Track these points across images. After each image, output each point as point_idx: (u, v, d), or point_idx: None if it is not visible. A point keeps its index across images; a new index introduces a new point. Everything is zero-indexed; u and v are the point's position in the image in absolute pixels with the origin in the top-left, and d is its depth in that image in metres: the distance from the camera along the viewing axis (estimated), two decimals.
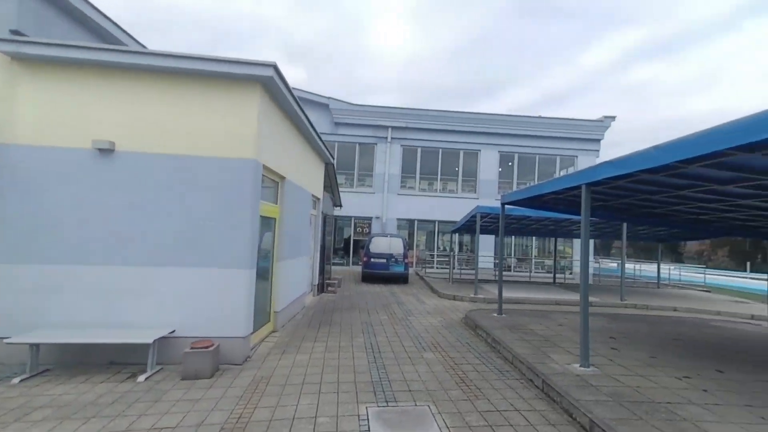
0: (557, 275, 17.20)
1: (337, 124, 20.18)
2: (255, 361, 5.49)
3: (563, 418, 4.07)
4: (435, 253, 20.29)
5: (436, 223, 20.31)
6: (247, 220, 5.36)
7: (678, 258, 48.61)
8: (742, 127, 3.16)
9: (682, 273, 20.66)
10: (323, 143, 9.80)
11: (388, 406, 4.23)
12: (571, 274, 18.84)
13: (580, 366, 5.18)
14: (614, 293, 13.09)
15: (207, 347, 4.91)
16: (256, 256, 5.70)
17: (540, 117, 19.83)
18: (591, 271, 18.99)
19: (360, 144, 20.61)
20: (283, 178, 7.18)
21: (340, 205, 16.11)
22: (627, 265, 23.73)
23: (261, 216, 6.06)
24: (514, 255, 20.31)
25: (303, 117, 7.35)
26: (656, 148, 4.05)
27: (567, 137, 19.78)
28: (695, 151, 3.55)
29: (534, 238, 20.02)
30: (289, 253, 7.67)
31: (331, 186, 13.41)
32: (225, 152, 5.36)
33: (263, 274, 6.66)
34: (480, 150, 19.98)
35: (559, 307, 10.37)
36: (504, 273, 19.01)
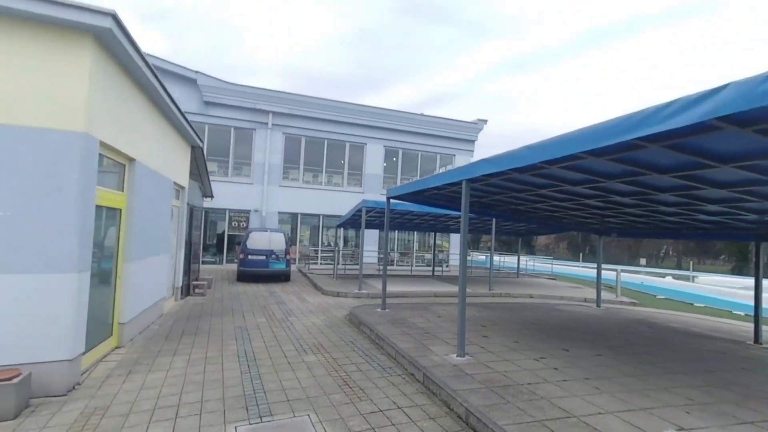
0: (435, 268, 18.57)
1: (207, 103, 18.18)
2: (87, 389, 4.42)
3: (442, 410, 4.22)
4: (319, 248, 19.97)
5: (321, 217, 19.99)
6: (75, 210, 4.25)
7: (531, 251, 57.80)
8: (588, 134, 3.65)
9: (535, 264, 24.51)
10: (189, 123, 8.60)
11: (261, 422, 3.81)
12: (447, 267, 20.61)
13: (457, 356, 5.52)
14: (483, 283, 14.69)
15: (7, 379, 3.74)
16: (88, 256, 4.59)
17: (422, 115, 21.10)
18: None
19: (236, 128, 18.98)
20: (131, 160, 5.99)
21: (211, 196, 14.56)
22: (493, 258, 27.31)
23: (99, 206, 4.92)
24: (397, 249, 21.29)
25: (160, 88, 6.24)
26: (527, 148, 4.47)
27: (446, 136, 21.49)
28: (557, 153, 4.00)
29: (416, 233, 21.27)
30: (140, 252, 6.47)
31: (200, 173, 11.95)
32: (46, 121, 4.15)
33: (104, 279, 5.46)
34: (366, 144, 20.31)
35: (437, 299, 11.14)
36: (388, 267, 19.77)
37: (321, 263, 19.84)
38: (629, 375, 5.14)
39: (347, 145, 20.25)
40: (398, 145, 20.82)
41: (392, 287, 12.35)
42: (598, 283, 11.29)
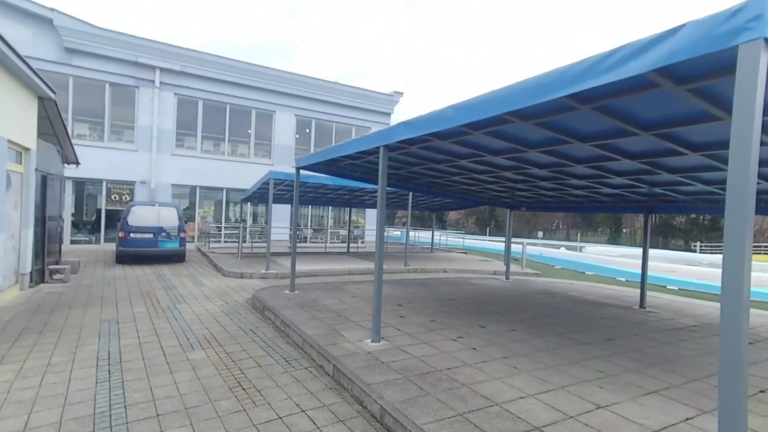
0: (351, 245, 18.06)
1: (70, 50, 14.86)
2: None
3: (353, 408, 3.63)
4: (223, 225, 18.08)
5: (225, 191, 18.04)
6: None
7: (443, 226, 60.71)
8: (527, 88, 3.18)
9: (448, 238, 25.42)
10: (31, 68, 6.60)
11: None
12: (363, 243, 20.22)
13: (372, 341, 4.97)
14: (399, 259, 14.54)
15: None
16: None
17: (336, 83, 19.87)
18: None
19: (113, 85, 15.93)
20: None
21: (76, 162, 11.99)
22: (409, 233, 27.73)
23: None
24: (311, 225, 20.26)
25: None
26: (452, 108, 3.91)
27: (362, 108, 20.62)
28: (486, 112, 3.49)
29: (330, 208, 20.40)
30: None
31: (56, 134, 9.59)
32: None
33: None
34: (275, 111, 18.58)
35: (352, 278, 10.59)
36: (300, 245, 18.70)
37: (225, 241, 18.02)
38: (543, 350, 5.09)
39: (253, 112, 18.29)
40: (311, 115, 19.39)
41: (304, 266, 11.49)
42: (507, 256, 11.73)
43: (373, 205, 17.90)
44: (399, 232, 29.87)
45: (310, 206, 19.62)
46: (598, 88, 3.15)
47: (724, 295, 2.09)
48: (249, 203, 18.22)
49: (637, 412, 3.50)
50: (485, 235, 43.94)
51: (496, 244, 25.88)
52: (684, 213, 30.73)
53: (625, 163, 5.18)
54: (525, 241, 16.70)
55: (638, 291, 10.55)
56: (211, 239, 16.93)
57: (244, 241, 16.04)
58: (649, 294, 8.79)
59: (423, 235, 26.27)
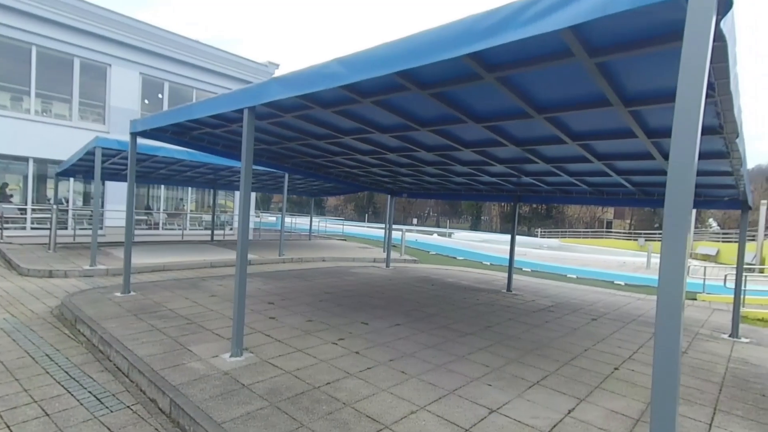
0: (216, 232, 15.95)
1: None
2: None
3: None
4: (29, 207, 13.94)
5: (32, 161, 13.82)
6: None
7: (322, 211, 59.90)
8: (416, 43, 2.58)
9: (326, 225, 24.73)
10: None
11: None
12: (231, 230, 18.08)
13: (231, 356, 3.95)
14: (273, 248, 13.30)
15: None
16: None
17: (198, 42, 16.88)
18: (252, 225, 19.04)
19: None
20: None
21: None
22: (285, 219, 26.14)
23: None
24: (165, 209, 17.21)
25: None
26: (338, 61, 3.11)
27: (230, 75, 17.99)
28: (377, 67, 2.79)
29: (191, 189, 17.62)
30: None
31: None
32: None
33: None
34: (111, 65, 14.79)
35: (214, 271, 9.08)
36: (149, 233, 15.76)
37: (34, 228, 13.88)
38: (429, 346, 4.77)
39: (77, 61, 14.26)
40: (164, 77, 15.93)
41: (150, 258, 9.46)
42: (387, 244, 11.58)
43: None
44: (275, 218, 28.07)
45: (162, 186, 16.55)
46: (510, 52, 2.74)
47: (661, 290, 1.81)
48: (72, 179, 14.49)
49: (526, 410, 3.32)
50: (364, 221, 44.66)
51: (376, 230, 26.24)
52: (544, 203, 35.80)
53: (510, 149, 5.12)
54: (403, 227, 17.04)
55: (502, 274, 11.51)
56: (4, 225, 12.77)
57: (64, 228, 12.68)
58: (496, 275, 9.64)
59: (301, 222, 25.07)
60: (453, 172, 7.40)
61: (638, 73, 2.85)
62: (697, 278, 12.14)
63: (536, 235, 37.84)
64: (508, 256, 8.99)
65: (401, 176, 8.68)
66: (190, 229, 17.24)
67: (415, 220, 45.59)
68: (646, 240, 30.77)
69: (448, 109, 3.83)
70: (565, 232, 39.21)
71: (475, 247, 20.40)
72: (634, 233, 35.90)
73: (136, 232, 14.78)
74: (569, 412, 3.37)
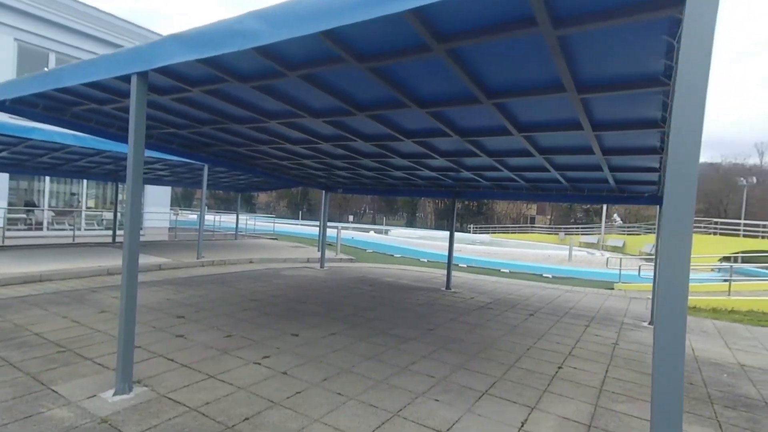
0: (120, 232, 14.03)
1: None
2: None
3: None
4: None
5: None
6: None
7: (252, 208, 56.85)
8: None
9: (256, 223, 23.23)
10: None
11: None
12: (141, 230, 16.07)
13: (116, 393, 3.11)
14: (191, 249, 11.96)
15: None
16: None
17: (96, 9, 14.39)
18: (167, 224, 17.18)
19: None
20: None
21: None
22: (207, 217, 24.04)
23: None
24: (50, 205, 14.66)
25: None
26: (254, 15, 2.48)
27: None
28: (308, 22, 2.23)
29: (86, 181, 15.24)
30: None
31: None
32: None
33: None
34: None
35: (111, 279, 7.74)
36: (29, 234, 13.43)
37: None
38: (369, 357, 4.30)
39: None
40: (49, 46, 13.29)
41: (24, 266, 7.86)
42: (322, 243, 10.94)
43: (155, 181, 14.30)
44: (196, 216, 25.85)
45: (47, 178, 14.04)
46: (466, 18, 2.32)
47: (661, 302, 1.49)
48: None
49: (479, 428, 2.98)
50: (298, 219, 43.16)
51: (310, 228, 25.25)
52: (482, 198, 37.02)
53: (453, 140, 4.81)
54: (339, 225, 16.44)
55: (440, 271, 11.45)
56: None
57: None
58: (434, 272, 9.56)
59: (227, 220, 23.30)
60: (392, 166, 6.99)
61: (599, 53, 2.60)
62: (614, 269, 13.11)
63: (469, 231, 39.28)
64: (444, 253, 8.87)
65: (336, 170, 8.10)
66: (86, 230, 14.95)
67: (351, 217, 45.04)
68: (565, 234, 33.31)
69: (390, 89, 3.36)
70: (495, 227, 41.22)
71: (413, 244, 20.42)
72: (555, 228, 38.76)
73: (11, 234, 12.47)
74: (522, 425, 3.09)
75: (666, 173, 1.51)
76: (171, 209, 19.33)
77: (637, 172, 5.37)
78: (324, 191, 10.98)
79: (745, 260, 15.96)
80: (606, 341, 5.50)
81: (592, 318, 6.87)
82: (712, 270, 15.68)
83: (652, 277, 9.49)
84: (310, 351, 4.36)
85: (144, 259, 9.43)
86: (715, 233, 20.65)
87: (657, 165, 4.97)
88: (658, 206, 6.62)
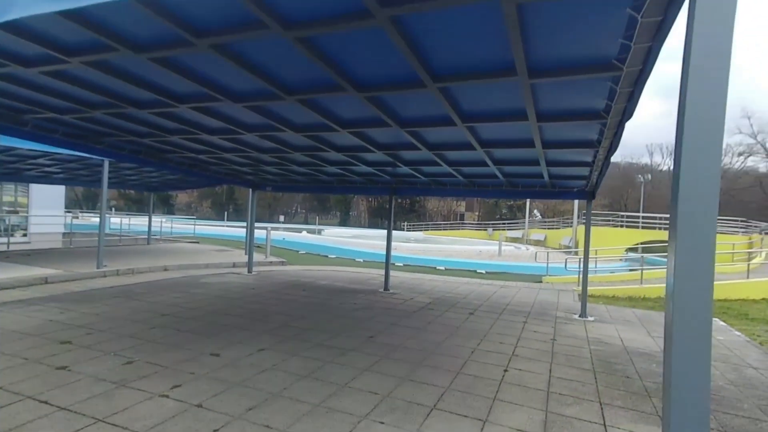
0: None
1: None
2: None
3: None
4: None
5: None
6: None
7: (170, 210, 52.31)
8: None
9: (173, 225, 21.12)
10: None
11: None
12: (26, 236, 13.66)
13: None
14: (92, 258, 10.38)
15: None
16: None
17: None
18: (61, 229, 14.90)
19: None
20: None
21: None
22: (115, 220, 21.40)
23: None
24: None
25: None
26: None
27: None
28: None
29: None
30: None
31: None
32: None
33: None
34: None
35: None
36: None
37: None
38: (303, 375, 3.80)
39: None
40: None
41: None
42: (249, 245, 10.08)
43: (42, 178, 12.24)
44: (114, 219, 22.94)
45: None
46: None
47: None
48: None
49: None
50: (223, 220, 40.48)
51: (237, 230, 23.61)
52: (419, 195, 37.25)
53: (392, 131, 4.47)
54: (269, 225, 15.46)
55: (377, 271, 11.16)
56: None
57: None
58: (371, 272, 9.26)
59: (141, 223, 20.87)
60: (326, 161, 6.50)
61: (555, 32, 2.38)
62: (541, 263, 13.83)
63: (402, 229, 39.76)
64: (380, 252, 8.58)
65: (264, 165, 7.39)
66: None
67: (281, 217, 43.26)
68: (493, 230, 35.06)
69: (324, 68, 2.90)
70: (428, 225, 42.21)
71: (347, 243, 19.97)
72: (483, 224, 40.68)
73: None
74: None
75: (681, 170, 1.26)
76: (68, 212, 16.90)
77: (571, 167, 5.46)
78: (251, 189, 10.12)
79: (647, 250, 17.84)
80: (545, 337, 5.54)
81: (528, 313, 6.98)
82: (621, 260, 17.29)
83: (577, 270, 10.11)
84: (232, 374, 3.74)
85: (24, 272, 7.92)
86: (621, 226, 22.91)
87: (590, 159, 5.07)
88: (585, 201, 6.90)
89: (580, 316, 6.83)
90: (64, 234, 14.54)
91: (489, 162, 5.51)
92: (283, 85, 3.45)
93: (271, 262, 12.35)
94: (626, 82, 2.75)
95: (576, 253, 18.92)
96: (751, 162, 43.93)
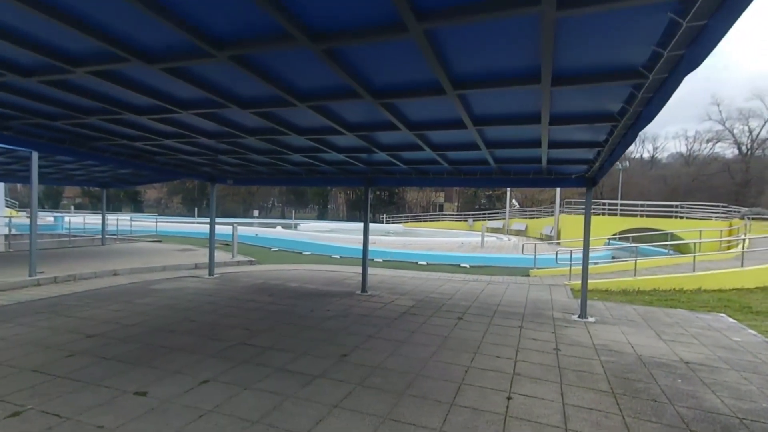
0: None
1: None
2: None
3: None
4: None
5: None
6: None
7: (138, 207, 49.75)
8: None
9: (132, 223, 19.51)
10: None
11: None
12: None
13: None
14: (23, 263, 9.10)
15: None
16: None
17: None
18: (4, 231, 13.38)
19: None
20: None
21: None
22: (73, 219, 19.63)
23: None
24: None
25: None
26: None
27: None
28: None
29: None
30: None
31: None
32: None
33: None
34: None
35: None
36: None
37: None
38: (254, 421, 2.91)
39: None
40: None
41: None
42: (210, 246, 9.02)
43: None
44: (59, 218, 21.23)
45: None
46: None
47: None
48: None
49: None
50: (194, 216, 38.67)
51: (205, 227, 22.21)
52: (398, 185, 36.23)
53: (365, 106, 3.58)
54: (235, 221, 14.31)
55: (355, 269, 10.28)
56: None
57: None
58: (347, 270, 8.36)
59: (95, 221, 19.13)
60: (289, 147, 5.54)
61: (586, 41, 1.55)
62: (527, 254, 13.25)
63: (381, 222, 38.93)
64: (358, 247, 7.73)
65: (218, 154, 6.36)
66: None
67: (256, 212, 41.68)
68: (473, 220, 34.63)
69: (276, 15, 1.98)
70: (407, 216, 41.48)
71: (323, 238, 18.96)
72: (463, 214, 40.24)
73: None
74: None
75: None
76: (22, 210, 15.35)
77: (575, 148, 4.69)
78: (210, 183, 9.05)
79: (637, 239, 17.61)
80: (546, 346, 4.80)
81: (523, 315, 6.27)
82: (608, 250, 16.96)
83: (568, 262, 9.49)
84: (157, 424, 2.82)
85: None
86: (603, 214, 22.71)
87: (604, 138, 4.29)
88: (585, 188, 6.18)
89: (579, 317, 6.16)
90: (6, 236, 13.03)
91: (481, 145, 4.68)
92: (213, 37, 2.50)
93: (238, 262, 11.30)
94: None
95: (559, 243, 18.55)
96: (719, 148, 45.12)
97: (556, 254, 10.80)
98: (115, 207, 49.40)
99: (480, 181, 6.97)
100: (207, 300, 6.63)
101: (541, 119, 3.57)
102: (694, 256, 9.40)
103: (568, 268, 9.53)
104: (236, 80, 3.26)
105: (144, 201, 52.74)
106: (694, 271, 9.03)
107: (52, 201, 50.78)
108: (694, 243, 11.84)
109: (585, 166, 5.73)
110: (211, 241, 9.05)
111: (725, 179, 41.97)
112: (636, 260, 9.01)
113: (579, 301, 7.38)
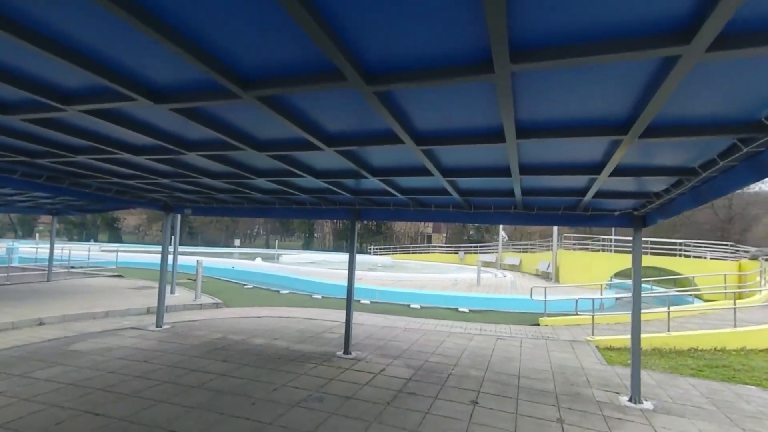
0: None
1: None
2: None
3: None
4: None
5: None
6: None
7: (116, 233, 47.13)
8: None
9: (90, 253, 17.44)
10: None
11: None
12: None
13: None
14: None
15: None
16: None
17: None
18: None
19: None
20: None
21: None
22: (23, 248, 17.39)
23: None
24: None
25: None
26: None
27: None
28: None
29: None
30: None
31: None
32: None
33: None
34: None
35: None
36: None
37: None
38: None
39: None
40: None
41: None
42: (160, 287, 7.34)
43: None
44: (34, 249, 19.03)
45: None
46: None
47: None
48: None
49: None
50: (170, 245, 36.39)
51: (183, 258, 20.27)
52: (392, 219, 34.66)
53: (349, 102, 2.18)
54: (214, 251, 12.57)
55: (336, 315, 8.65)
56: None
57: None
58: (328, 316, 6.66)
59: (78, 251, 16.81)
60: (252, 171, 4.07)
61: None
62: (532, 296, 11.76)
63: (369, 252, 37.26)
64: (342, 283, 6.20)
65: (161, 177, 4.85)
66: None
67: (237, 241, 39.59)
68: (464, 253, 33.22)
69: None
70: (396, 248, 39.89)
71: (305, 272, 17.22)
72: (452, 246, 38.81)
73: None
74: None
75: None
76: None
77: (621, 176, 3.33)
78: (165, 213, 7.49)
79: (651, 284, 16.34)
80: None
81: (556, 396, 4.72)
82: (606, 290, 15.54)
83: (590, 310, 7.97)
84: None
85: None
86: (603, 250, 21.52)
87: (671, 163, 2.95)
88: (632, 228, 4.81)
89: (631, 401, 4.63)
90: None
91: (513, 166, 3.28)
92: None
93: (201, 304, 9.55)
94: None
95: (557, 281, 17.11)
96: None
97: (576, 303, 9.33)
98: (91, 234, 46.70)
99: (493, 217, 5.57)
100: (136, 371, 4.93)
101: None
102: (735, 308, 8.04)
103: (591, 316, 8.01)
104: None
105: (122, 228, 50.22)
106: (735, 326, 7.64)
107: (27, 227, 47.87)
108: (722, 289, 10.50)
109: (636, 201, 4.38)
110: (161, 281, 7.37)
111: (710, 215, 41.75)
112: (669, 311, 7.61)
113: (615, 368, 5.92)
